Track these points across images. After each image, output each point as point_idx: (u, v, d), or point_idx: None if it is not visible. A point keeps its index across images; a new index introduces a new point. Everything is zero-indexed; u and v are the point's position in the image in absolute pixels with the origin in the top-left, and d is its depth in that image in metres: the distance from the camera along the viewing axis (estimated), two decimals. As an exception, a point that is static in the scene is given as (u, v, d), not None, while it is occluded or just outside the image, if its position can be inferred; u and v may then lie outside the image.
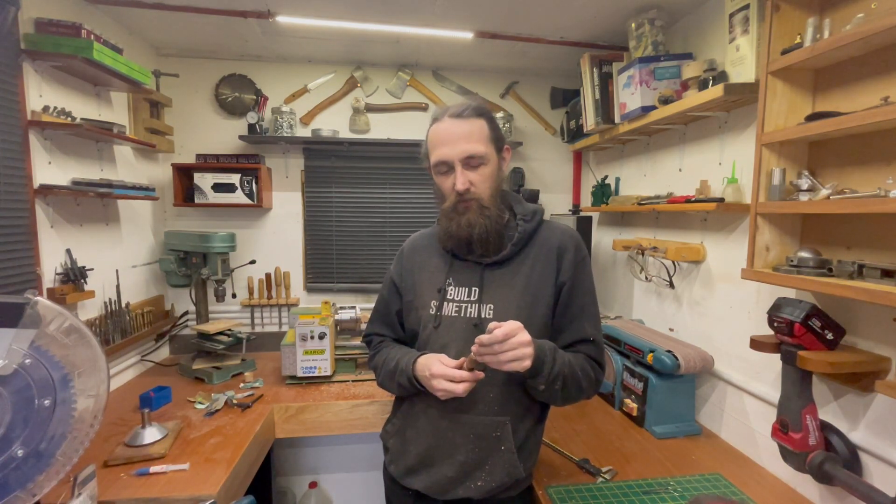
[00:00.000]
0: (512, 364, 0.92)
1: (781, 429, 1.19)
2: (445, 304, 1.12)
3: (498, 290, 1.10)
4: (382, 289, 1.28)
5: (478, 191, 1.06)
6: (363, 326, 2.17)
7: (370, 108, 2.49)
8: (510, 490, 1.11)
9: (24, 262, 1.49)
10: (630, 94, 1.78)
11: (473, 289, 1.11)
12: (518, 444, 1.08)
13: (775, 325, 1.20)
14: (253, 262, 2.41)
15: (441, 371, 1.00)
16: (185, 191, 2.28)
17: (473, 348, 0.94)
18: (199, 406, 1.75)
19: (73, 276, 1.65)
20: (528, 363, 0.93)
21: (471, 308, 1.10)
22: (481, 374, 0.99)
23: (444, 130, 1.06)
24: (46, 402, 0.95)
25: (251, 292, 2.47)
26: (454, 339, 1.09)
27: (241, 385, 1.96)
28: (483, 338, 0.92)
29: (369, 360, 1.27)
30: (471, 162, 1.05)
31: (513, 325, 0.92)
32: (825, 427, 1.19)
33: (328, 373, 1.99)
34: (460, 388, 0.98)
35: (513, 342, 0.91)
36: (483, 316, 1.09)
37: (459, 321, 1.10)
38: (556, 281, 1.10)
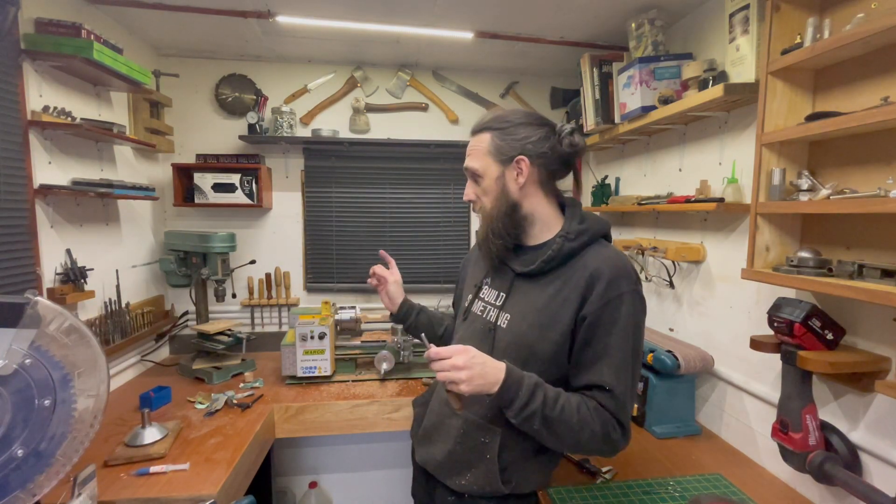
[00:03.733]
0: (450, 386, 0.93)
1: (781, 429, 1.19)
2: (477, 301, 1.18)
3: (519, 302, 1.08)
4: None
5: (481, 203, 1.12)
6: (363, 326, 2.19)
7: (370, 108, 2.49)
8: (492, 499, 1.08)
9: (24, 262, 1.49)
10: (630, 94, 1.78)
11: (502, 294, 1.12)
12: (506, 461, 1.05)
13: (775, 325, 1.20)
14: (253, 262, 2.41)
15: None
16: (185, 191, 2.28)
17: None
18: (199, 406, 1.75)
19: (73, 276, 1.65)
20: (463, 388, 0.91)
21: (493, 312, 1.12)
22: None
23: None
24: (46, 402, 0.95)
25: (251, 292, 2.47)
26: (470, 336, 1.14)
27: (241, 385, 1.96)
28: (429, 352, 0.96)
29: None
30: (474, 175, 1.11)
31: (452, 347, 0.95)
32: (825, 427, 1.19)
33: (328, 373, 1.99)
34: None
35: (444, 363, 0.92)
36: (499, 323, 1.09)
37: (480, 321, 1.14)
38: (577, 312, 0.99)
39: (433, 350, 0.95)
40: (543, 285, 1.05)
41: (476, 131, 1.12)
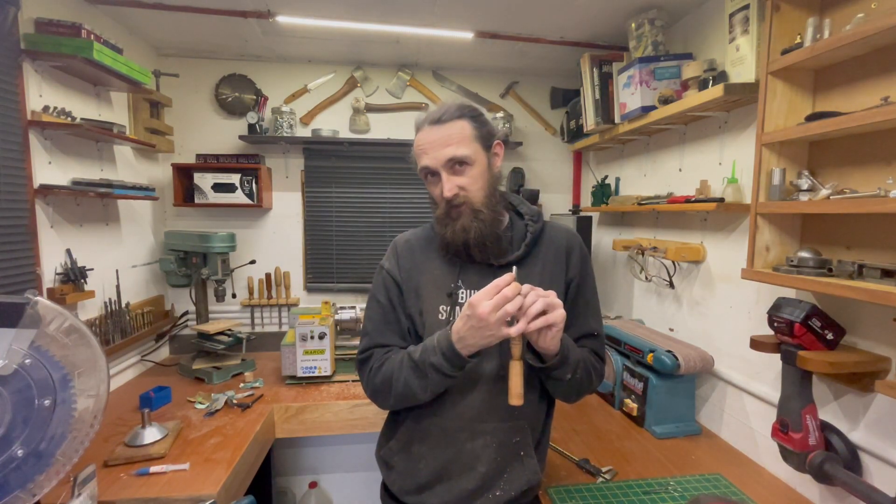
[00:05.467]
0: (553, 328, 0.88)
1: (781, 429, 1.19)
2: (458, 308, 1.05)
3: None
4: (377, 294, 1.11)
5: (468, 194, 1.01)
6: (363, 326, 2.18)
7: (370, 108, 2.49)
8: (525, 497, 1.07)
9: (24, 262, 1.49)
10: (630, 94, 1.78)
11: None
12: (534, 447, 1.07)
13: (775, 325, 1.20)
14: (253, 262, 2.41)
15: (479, 297, 0.87)
16: (185, 191, 2.28)
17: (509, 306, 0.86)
18: (199, 406, 1.75)
19: (73, 276, 1.65)
20: (556, 331, 0.89)
21: None
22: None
23: (425, 139, 1.02)
24: (46, 402, 0.95)
25: (251, 292, 2.47)
26: None
27: (241, 385, 1.96)
28: (525, 287, 0.88)
29: (370, 378, 1.07)
30: (455, 166, 1.00)
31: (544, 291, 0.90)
32: (825, 427, 1.19)
33: (328, 373, 1.99)
34: (511, 307, 0.86)
35: (555, 300, 0.88)
36: None
37: None
38: (565, 279, 1.09)
39: (543, 291, 0.88)
40: (527, 269, 1.07)
41: (447, 119, 1.01)
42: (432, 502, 1.05)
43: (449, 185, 1.00)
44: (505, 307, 0.86)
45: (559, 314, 0.89)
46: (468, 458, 1.03)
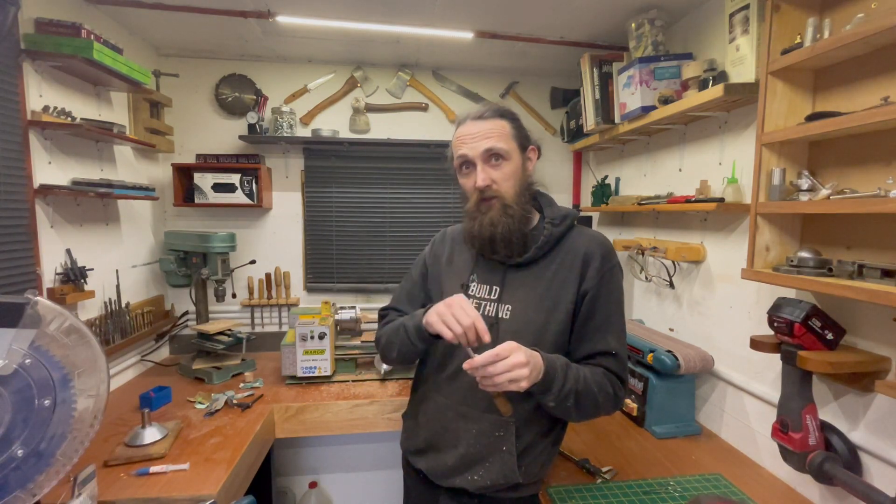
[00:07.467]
0: (509, 385, 0.89)
1: (781, 429, 1.19)
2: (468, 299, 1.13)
3: (518, 292, 1.09)
4: (412, 270, 1.29)
5: (500, 188, 1.06)
6: (363, 326, 2.18)
7: (370, 108, 2.49)
8: (508, 492, 1.09)
9: (24, 262, 1.49)
10: (630, 94, 1.78)
11: (494, 288, 1.11)
12: (521, 448, 1.07)
13: (775, 325, 1.20)
14: (253, 262, 2.41)
15: (448, 306, 0.97)
16: (185, 191, 2.28)
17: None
18: (199, 406, 1.75)
19: (73, 276, 1.65)
20: (524, 384, 0.90)
21: (489, 307, 1.10)
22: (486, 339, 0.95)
23: (465, 131, 1.09)
24: (46, 402, 0.95)
25: (251, 292, 2.47)
26: None
27: (241, 385, 1.96)
28: (474, 361, 0.89)
29: (378, 329, 1.25)
30: (491, 158, 1.06)
31: (505, 346, 0.91)
32: (825, 427, 1.19)
33: (328, 373, 1.99)
34: (452, 329, 0.94)
35: (506, 363, 0.88)
36: (500, 316, 1.08)
37: None
38: (578, 289, 1.07)
39: (491, 353, 0.89)
40: (539, 271, 1.10)
41: (489, 116, 1.08)
42: (422, 466, 1.16)
43: (483, 175, 1.06)
44: (460, 321, 0.94)
45: (509, 376, 0.89)
46: (451, 437, 1.11)
